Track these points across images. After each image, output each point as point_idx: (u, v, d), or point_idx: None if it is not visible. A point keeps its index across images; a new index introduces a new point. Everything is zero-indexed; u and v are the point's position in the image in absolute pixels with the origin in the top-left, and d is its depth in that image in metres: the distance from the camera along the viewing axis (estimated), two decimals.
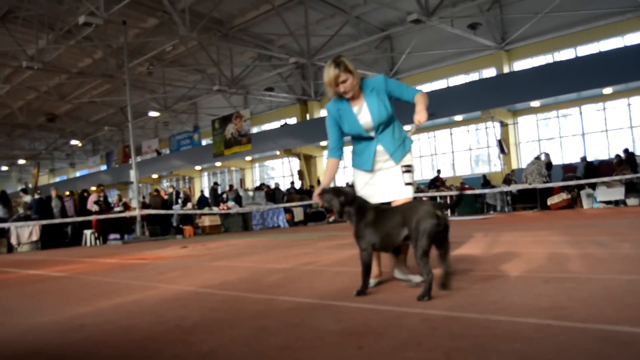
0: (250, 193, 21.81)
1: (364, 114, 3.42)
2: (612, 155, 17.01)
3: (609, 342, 1.79)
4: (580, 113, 20.27)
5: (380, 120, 3.39)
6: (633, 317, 2.08)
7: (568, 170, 17.61)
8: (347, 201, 3.15)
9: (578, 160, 17.96)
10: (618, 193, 14.74)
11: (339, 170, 3.66)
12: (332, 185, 3.41)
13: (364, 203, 3.16)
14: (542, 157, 16.57)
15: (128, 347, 2.29)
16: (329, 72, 3.31)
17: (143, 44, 21.71)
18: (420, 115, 3.16)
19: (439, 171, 19.89)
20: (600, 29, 18.80)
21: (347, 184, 3.58)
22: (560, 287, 2.86)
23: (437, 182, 18.92)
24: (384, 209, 3.14)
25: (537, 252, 4.68)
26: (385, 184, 3.44)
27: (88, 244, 15.17)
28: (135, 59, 21.48)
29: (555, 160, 19.70)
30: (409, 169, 3.44)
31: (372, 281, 3.28)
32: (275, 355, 1.96)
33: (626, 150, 16.20)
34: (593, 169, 16.22)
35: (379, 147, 3.46)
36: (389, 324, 2.30)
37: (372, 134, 3.45)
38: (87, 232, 15.35)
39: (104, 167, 37.06)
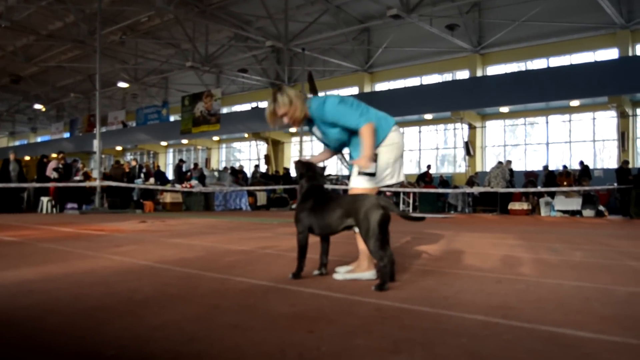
0: (216, 173, 21.61)
1: (321, 135, 3.44)
2: (575, 166, 17.43)
3: (552, 343, 1.84)
4: (547, 122, 20.72)
5: (334, 146, 3.42)
6: (577, 322, 2.15)
7: (530, 176, 18.00)
8: (302, 174, 3.28)
9: (540, 168, 18.36)
10: (575, 203, 15.13)
11: None
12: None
13: (312, 187, 3.21)
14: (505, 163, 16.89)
15: (77, 315, 2.25)
16: (267, 108, 3.32)
17: (117, 12, 21.17)
18: (361, 161, 3.10)
19: (428, 167, 20.05)
20: (573, 42, 19.17)
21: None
22: (511, 288, 2.93)
23: (426, 178, 19.14)
24: (329, 197, 3.18)
25: (492, 254, 4.77)
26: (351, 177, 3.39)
27: (44, 211, 14.83)
28: (108, 26, 20.96)
29: (519, 167, 20.11)
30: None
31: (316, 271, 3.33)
32: (225, 333, 1.95)
33: (581, 163, 16.62)
34: (553, 178, 16.60)
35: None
36: (341, 311, 2.32)
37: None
38: (44, 199, 15.00)
39: (66, 135, 36.13)
